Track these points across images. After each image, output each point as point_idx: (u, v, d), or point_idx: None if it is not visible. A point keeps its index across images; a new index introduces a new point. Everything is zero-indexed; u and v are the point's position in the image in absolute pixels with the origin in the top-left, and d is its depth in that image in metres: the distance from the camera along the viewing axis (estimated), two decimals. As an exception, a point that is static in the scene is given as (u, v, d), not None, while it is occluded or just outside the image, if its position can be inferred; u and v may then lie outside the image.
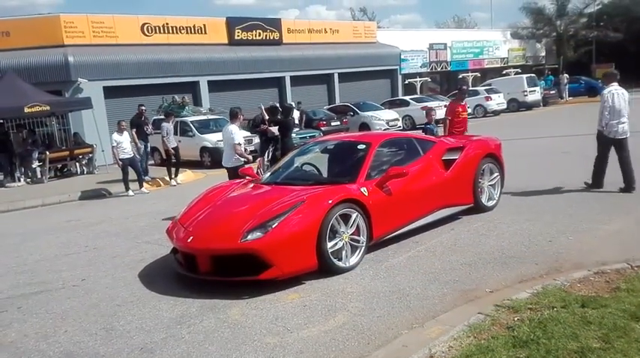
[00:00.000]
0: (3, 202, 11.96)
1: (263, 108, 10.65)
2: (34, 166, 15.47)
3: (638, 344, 3.18)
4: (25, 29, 19.52)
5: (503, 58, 40.58)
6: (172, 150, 13.26)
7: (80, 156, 16.73)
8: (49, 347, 4.20)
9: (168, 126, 13.30)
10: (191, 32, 23.72)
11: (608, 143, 7.95)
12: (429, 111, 10.15)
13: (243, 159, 8.47)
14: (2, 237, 8.71)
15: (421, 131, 10.03)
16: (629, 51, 38.53)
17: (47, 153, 15.66)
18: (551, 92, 31.69)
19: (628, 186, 7.74)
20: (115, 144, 11.94)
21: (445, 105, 25.33)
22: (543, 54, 44.13)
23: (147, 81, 21.11)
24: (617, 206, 6.93)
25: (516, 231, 6.23)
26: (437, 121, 10.17)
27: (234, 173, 8.25)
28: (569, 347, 3.22)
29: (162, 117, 16.24)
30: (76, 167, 16.76)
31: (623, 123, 7.82)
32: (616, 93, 7.90)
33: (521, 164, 9.43)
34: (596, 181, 8.05)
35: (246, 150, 8.78)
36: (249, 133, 17.44)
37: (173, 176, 13.53)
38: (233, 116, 8.60)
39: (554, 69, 40.11)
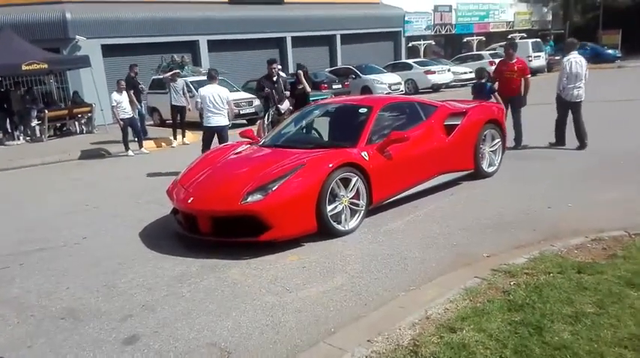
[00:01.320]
0: (2, 160, 11.95)
1: (301, 73, 9.83)
2: (33, 125, 15.38)
3: (631, 310, 3.23)
4: (22, -16, 19.08)
5: (509, 22, 39.81)
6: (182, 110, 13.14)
7: (79, 116, 16.63)
8: (51, 302, 4.27)
9: (175, 85, 13.12)
10: (191, -11, 23.20)
11: (565, 105, 8.82)
12: (482, 72, 9.81)
13: (228, 120, 8.78)
14: (2, 196, 8.74)
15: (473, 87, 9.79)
16: (637, 18, 37.81)
17: (46, 111, 15.54)
18: (556, 58, 31.25)
19: (581, 144, 8.68)
20: (114, 103, 11.84)
21: (448, 69, 25.20)
22: (550, 18, 43.30)
23: (146, 39, 20.76)
24: (618, 175, 6.92)
25: (516, 197, 6.25)
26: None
27: (212, 134, 8.68)
28: (563, 312, 3.27)
29: (160, 76, 16.07)
30: (75, 126, 16.67)
31: (579, 88, 8.71)
32: (574, 60, 8.76)
33: (525, 129, 9.35)
34: (559, 139, 8.98)
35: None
36: (247, 94, 17.31)
37: (180, 136, 13.47)
38: (212, 77, 8.86)
39: (560, 34, 39.44)
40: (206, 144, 8.70)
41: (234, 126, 15.38)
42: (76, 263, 5.15)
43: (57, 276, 4.83)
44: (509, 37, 35.17)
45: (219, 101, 8.58)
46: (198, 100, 8.81)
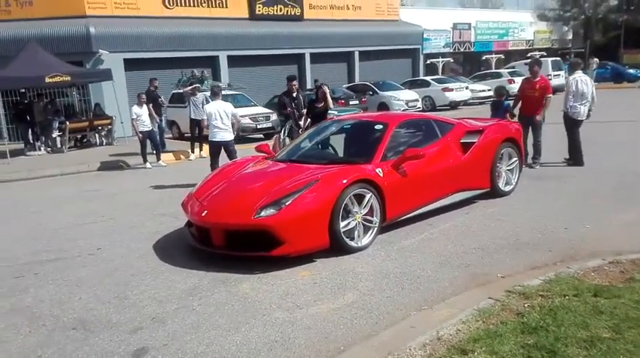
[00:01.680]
0: (23, 170, 12.18)
1: (327, 91, 9.53)
2: (54, 136, 15.68)
3: (649, 336, 3.14)
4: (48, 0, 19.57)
5: (529, 41, 39.70)
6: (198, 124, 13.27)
7: (99, 128, 16.90)
8: (63, 313, 4.30)
9: (195, 99, 13.28)
10: (212, 6, 23.56)
11: (571, 122, 9.00)
12: (501, 90, 9.82)
13: (232, 135, 9.06)
14: (22, 205, 8.88)
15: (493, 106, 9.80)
16: (659, 36, 37.46)
17: (67, 123, 15.83)
18: (576, 77, 30.99)
19: (579, 162, 8.93)
20: (134, 116, 12.03)
21: (466, 87, 25.12)
22: (570, 37, 43.05)
23: (167, 54, 21.12)
24: (635, 195, 6.80)
25: (532, 217, 6.16)
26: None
27: (219, 149, 8.99)
28: (578, 336, 3.19)
29: (181, 91, 16.27)
30: (95, 138, 16.95)
31: (584, 106, 8.93)
32: (580, 79, 8.97)
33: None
34: (577, 157, 9.02)
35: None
36: (264, 109, 17.44)
37: (197, 149, 13.58)
38: (215, 94, 9.31)
39: (580, 53, 39.16)
40: (214, 158, 9.05)
41: (250, 140, 15.52)
42: (89, 273, 5.19)
43: (70, 286, 4.87)
44: (529, 55, 35.06)
45: (225, 117, 8.85)
46: (205, 117, 9.10)
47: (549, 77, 27.43)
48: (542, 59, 29.44)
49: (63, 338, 3.86)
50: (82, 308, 4.36)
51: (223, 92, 18.34)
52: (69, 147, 15.89)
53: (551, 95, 9.14)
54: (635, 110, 17.34)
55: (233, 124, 9.06)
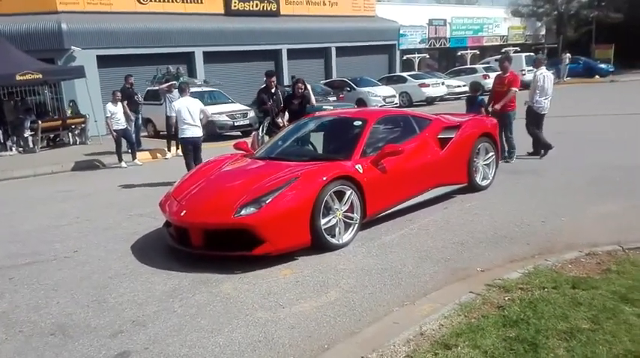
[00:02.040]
0: (-5, 171, 11.87)
1: (308, 88, 9.41)
2: (26, 135, 15.32)
3: (626, 326, 3.21)
4: (18, -5, 19.10)
5: (503, 36, 40.17)
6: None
7: (73, 126, 16.57)
8: (40, 318, 4.20)
9: (171, 96, 13.11)
10: (187, 1, 23.28)
11: (535, 116, 9.38)
12: (476, 85, 9.89)
13: (202, 131, 9.10)
14: (-6, 207, 8.66)
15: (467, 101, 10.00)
16: (629, 33, 38.23)
17: (39, 122, 15.49)
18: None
19: (544, 152, 9.27)
20: (109, 114, 11.82)
21: (442, 83, 25.33)
22: (543, 33, 43.73)
23: (141, 50, 20.79)
24: (611, 188, 6.94)
25: (509, 210, 6.25)
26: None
27: (190, 145, 8.94)
28: (558, 328, 3.25)
29: (156, 87, 16.04)
30: (68, 137, 16.61)
31: (548, 100, 9.42)
32: (546, 75, 9.45)
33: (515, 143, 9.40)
34: (545, 146, 9.32)
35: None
36: (242, 106, 17.33)
37: (174, 148, 13.42)
38: (183, 90, 9.25)
39: (553, 48, 39.81)
40: (187, 156, 9.01)
41: (228, 137, 15.41)
42: (66, 277, 5.09)
43: (47, 291, 4.77)
44: (503, 50, 35.49)
45: (193, 113, 8.85)
46: (174, 114, 9.04)
47: (523, 72, 27.88)
48: (516, 54, 30.04)
49: (41, 344, 3.78)
50: (60, 313, 4.27)
51: (200, 89, 18.32)
52: (41, 147, 15.56)
53: (516, 89, 9.15)
54: (607, 104, 17.73)
55: (201, 120, 9.08)
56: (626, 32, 37.29)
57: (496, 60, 25.86)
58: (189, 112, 8.81)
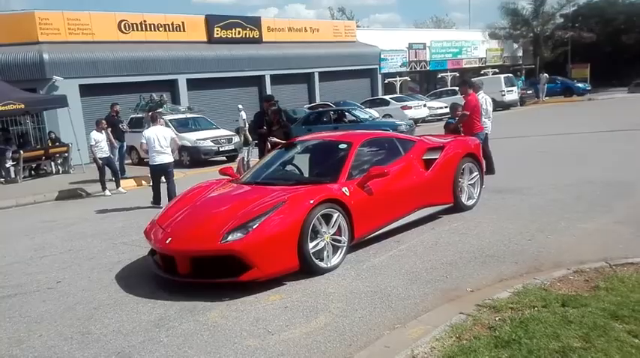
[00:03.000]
0: (-25, 203, 11.64)
1: (279, 111, 9.32)
2: (7, 166, 15.10)
3: (618, 343, 3.20)
4: (-1, 25, 19.07)
5: (482, 58, 41.02)
6: None
7: (56, 156, 16.40)
8: (22, 352, 4.08)
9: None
10: (169, 30, 23.47)
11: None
12: (456, 106, 10.06)
13: (172, 158, 9.60)
14: (-26, 239, 8.47)
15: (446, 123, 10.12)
16: (603, 51, 39.32)
17: (21, 152, 15.31)
18: (528, 92, 32.13)
19: (492, 171, 9.24)
20: (93, 142, 11.73)
21: (424, 104, 25.65)
22: (520, 54, 44.73)
23: (124, 79, 20.84)
24: (595, 205, 7.02)
25: (496, 230, 6.27)
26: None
27: (160, 171, 9.49)
28: (550, 347, 3.23)
29: (141, 116, 16.01)
30: (51, 166, 16.42)
31: (490, 120, 9.91)
32: (486, 98, 10.00)
33: (499, 163, 9.50)
34: (489, 168, 9.13)
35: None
36: (227, 131, 17.34)
37: None
38: (154, 119, 9.77)
39: (531, 69, 40.68)
40: (155, 180, 9.69)
41: (213, 163, 15.37)
42: (49, 309, 4.96)
43: (29, 323, 4.64)
44: (482, 72, 36.18)
45: (164, 141, 9.36)
46: (144, 141, 9.49)
47: (502, 93, 28.40)
48: (494, 76, 30.59)
49: (22, 379, 3.66)
50: (43, 346, 4.15)
51: (184, 115, 18.34)
52: (24, 177, 15.34)
53: (465, 113, 9.11)
54: (586, 122, 18.06)
55: (171, 148, 9.55)
56: (599, 51, 38.34)
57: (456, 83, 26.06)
58: (158, 140, 9.29)
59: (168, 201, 9.39)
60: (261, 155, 9.40)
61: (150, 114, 11.11)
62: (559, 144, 13.58)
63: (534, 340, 3.32)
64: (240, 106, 21.35)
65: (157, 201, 9.69)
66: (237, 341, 3.95)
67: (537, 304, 3.88)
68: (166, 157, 9.43)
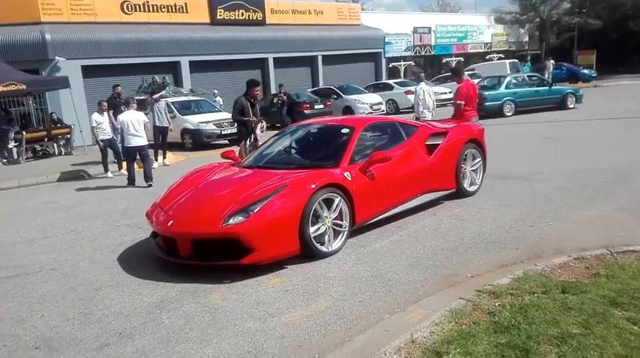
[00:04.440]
0: (-22, 183, 11.68)
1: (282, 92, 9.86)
2: (10, 146, 15.13)
3: (616, 330, 3.21)
4: (0, 6, 18.90)
5: (487, 43, 40.63)
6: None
7: (58, 137, 16.40)
8: (24, 332, 4.11)
9: (158, 106, 13.06)
10: (172, 11, 23.25)
11: None
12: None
13: (146, 140, 10.35)
14: (-23, 219, 8.51)
15: None
16: (610, 37, 38.90)
17: (24, 133, 15.31)
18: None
19: None
20: (95, 124, 11.71)
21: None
22: (526, 39, 44.31)
23: (126, 60, 20.70)
24: (597, 192, 7.00)
25: (498, 216, 6.26)
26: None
27: (134, 153, 10.26)
28: (549, 333, 3.24)
29: (143, 98, 15.95)
30: (53, 148, 16.44)
31: (430, 112, 10.78)
32: (425, 89, 10.97)
33: (502, 149, 9.47)
34: None
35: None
36: (229, 115, 17.24)
37: (160, 157, 13.34)
38: (128, 104, 10.57)
39: (536, 55, 40.32)
40: (131, 162, 10.49)
41: (216, 146, 15.35)
42: (51, 289, 4.99)
43: (31, 304, 4.67)
44: (487, 57, 35.89)
45: (137, 124, 10.09)
46: (119, 126, 10.34)
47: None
48: (500, 61, 30.32)
49: (25, 358, 3.70)
50: (45, 326, 4.18)
51: (187, 98, 18.28)
52: (26, 158, 15.37)
53: (459, 102, 8.85)
54: (592, 109, 17.94)
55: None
56: (606, 38, 37.94)
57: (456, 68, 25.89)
58: (132, 124, 10.03)
59: (145, 180, 10.11)
60: (244, 141, 9.38)
61: (125, 99, 11.61)
62: (561, 129, 13.51)
63: (533, 326, 3.33)
64: (215, 91, 20.92)
65: (132, 180, 10.41)
66: (238, 323, 3.98)
67: (537, 290, 3.89)
68: (141, 140, 10.16)
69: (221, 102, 19.85)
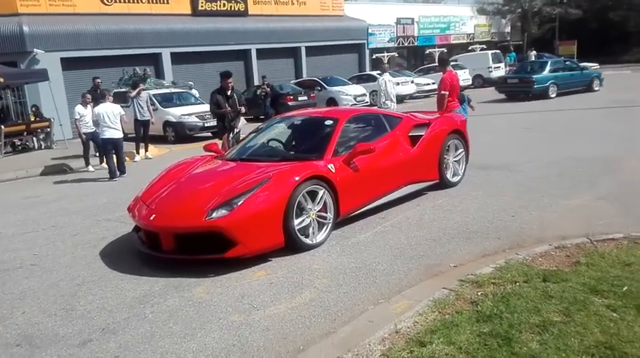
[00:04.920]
0: (-45, 178, 11.45)
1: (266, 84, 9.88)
2: (-12, 141, 14.85)
3: (597, 317, 3.26)
4: (-24, -3, 18.51)
5: (470, 34, 40.79)
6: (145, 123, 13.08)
7: (38, 131, 16.13)
8: (5, 329, 4.06)
9: (139, 99, 12.89)
10: (153, 2, 22.94)
11: None
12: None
13: (122, 133, 10.50)
14: (-45, 215, 8.35)
15: None
16: (590, 28, 39.27)
17: (2, 127, 15.02)
18: (514, 69, 32.08)
19: None
20: (78, 116, 11.53)
21: (412, 81, 25.53)
22: (508, 30, 44.57)
23: (107, 52, 20.41)
24: (578, 182, 7.09)
25: (480, 206, 6.32)
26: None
27: (111, 146, 10.33)
28: (531, 321, 3.28)
29: (124, 90, 15.74)
30: (33, 142, 16.16)
31: (394, 103, 11.30)
32: (387, 80, 11.41)
33: (484, 140, 9.54)
34: None
35: None
36: (205, 108, 17.05)
37: (142, 150, 13.20)
38: (104, 96, 10.70)
39: (518, 45, 40.59)
40: (108, 154, 10.51)
41: (198, 139, 15.23)
42: (32, 285, 4.93)
43: (12, 300, 4.61)
44: (470, 48, 36.03)
45: (113, 117, 10.20)
46: (94, 118, 10.51)
47: (490, 69, 28.35)
48: (482, 52, 30.45)
49: (7, 356, 3.64)
50: (26, 323, 4.13)
51: (169, 90, 18.09)
52: (5, 153, 15.09)
53: (443, 92, 8.90)
54: (573, 100, 18.14)
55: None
56: (586, 28, 38.30)
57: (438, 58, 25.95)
58: (108, 116, 10.12)
59: (118, 171, 10.31)
60: (227, 133, 9.34)
61: (100, 91, 11.78)
62: (542, 120, 13.64)
63: (515, 314, 3.38)
64: (190, 83, 20.47)
65: (112, 173, 10.39)
66: (223, 316, 3.97)
67: (519, 279, 3.93)
68: (116, 132, 10.27)
69: (197, 95, 19.55)
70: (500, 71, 29.00)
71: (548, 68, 20.07)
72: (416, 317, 3.53)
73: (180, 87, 19.08)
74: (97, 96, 13.24)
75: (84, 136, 11.61)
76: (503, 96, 20.54)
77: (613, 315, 3.29)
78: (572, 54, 36.42)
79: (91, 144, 11.89)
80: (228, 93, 9.39)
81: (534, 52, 33.25)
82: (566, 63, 21.67)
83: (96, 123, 10.54)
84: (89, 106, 11.78)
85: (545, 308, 3.43)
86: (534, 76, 19.52)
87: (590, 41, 37.24)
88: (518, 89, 19.93)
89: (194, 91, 19.95)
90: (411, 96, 24.77)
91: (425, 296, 3.84)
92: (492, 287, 3.88)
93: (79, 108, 11.62)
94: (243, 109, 9.54)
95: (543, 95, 19.08)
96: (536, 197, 6.49)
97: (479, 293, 3.79)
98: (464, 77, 26.80)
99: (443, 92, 8.92)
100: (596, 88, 20.37)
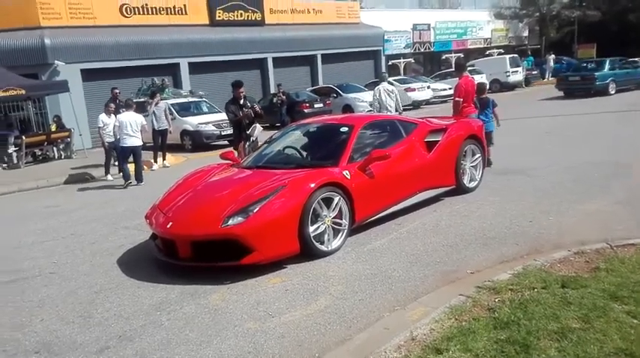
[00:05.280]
0: (-21, 188, 11.70)
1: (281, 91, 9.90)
2: (10, 151, 15.13)
3: (616, 324, 3.20)
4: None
5: (487, 39, 40.50)
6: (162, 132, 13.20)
7: (58, 141, 16.41)
8: (24, 336, 4.11)
9: (158, 108, 13.06)
10: (171, 13, 23.22)
11: None
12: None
13: (141, 141, 10.83)
14: (-22, 224, 8.52)
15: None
16: (610, 30, 38.70)
17: (23, 137, 15.32)
18: (533, 72, 31.78)
19: None
20: (102, 124, 11.74)
21: (428, 86, 25.45)
22: (526, 34, 44.15)
23: (126, 63, 20.69)
24: (596, 187, 6.97)
25: (497, 211, 6.24)
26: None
27: (129, 153, 10.68)
28: (549, 328, 3.23)
29: (143, 100, 15.94)
30: (53, 152, 16.44)
31: (389, 112, 10.65)
32: (382, 89, 11.06)
33: (503, 144, 9.43)
34: None
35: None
36: (222, 116, 17.15)
37: (160, 159, 13.34)
38: (128, 106, 10.95)
39: (536, 49, 40.18)
40: (124, 161, 10.82)
41: (215, 147, 15.34)
42: (51, 293, 5.00)
43: (31, 308, 4.68)
44: (487, 53, 35.78)
45: (135, 126, 10.52)
46: (117, 124, 10.67)
47: (507, 74, 28.10)
48: (499, 56, 30.21)
49: (25, 362, 3.69)
50: (45, 330, 4.18)
51: (186, 99, 18.26)
52: (26, 162, 15.38)
53: (458, 99, 8.84)
54: (593, 103, 17.89)
55: (141, 132, 10.73)
56: (606, 30, 37.76)
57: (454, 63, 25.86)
58: (130, 124, 10.43)
59: (136, 180, 10.42)
60: (243, 141, 9.36)
61: (125, 100, 11.79)
62: (563, 124, 13.46)
63: (533, 321, 3.32)
64: (201, 93, 20.49)
65: (127, 178, 10.68)
66: (238, 323, 3.97)
67: (537, 285, 3.87)
68: (136, 140, 10.57)
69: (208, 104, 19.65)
70: (517, 75, 28.75)
71: (607, 66, 20.79)
72: (432, 324, 3.50)
73: (193, 96, 19.22)
74: (116, 106, 13.46)
75: (107, 145, 11.78)
76: (561, 93, 21.07)
77: (633, 322, 3.22)
78: (592, 57, 35.96)
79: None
80: (241, 102, 9.47)
81: (553, 56, 32.88)
82: (621, 61, 22.32)
83: (117, 131, 10.73)
84: (113, 116, 11.95)
85: (563, 315, 3.37)
86: (596, 74, 20.22)
87: (610, 44, 36.70)
88: (578, 86, 20.47)
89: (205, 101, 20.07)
90: (427, 102, 24.69)
91: (441, 303, 3.80)
92: (510, 293, 3.82)
93: (103, 116, 11.83)
94: (257, 108, 9.55)
95: (604, 91, 19.79)
96: (555, 202, 6.39)
97: (496, 300, 3.74)
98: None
99: (457, 99, 8.87)
100: None
